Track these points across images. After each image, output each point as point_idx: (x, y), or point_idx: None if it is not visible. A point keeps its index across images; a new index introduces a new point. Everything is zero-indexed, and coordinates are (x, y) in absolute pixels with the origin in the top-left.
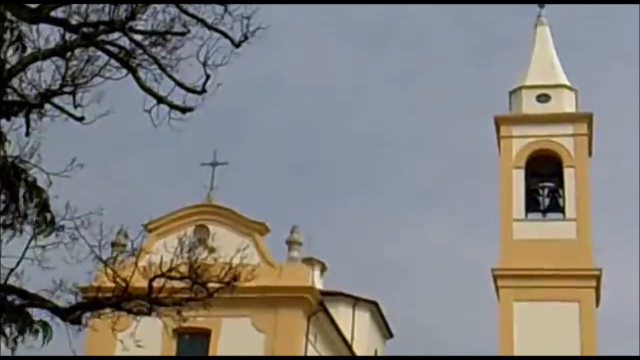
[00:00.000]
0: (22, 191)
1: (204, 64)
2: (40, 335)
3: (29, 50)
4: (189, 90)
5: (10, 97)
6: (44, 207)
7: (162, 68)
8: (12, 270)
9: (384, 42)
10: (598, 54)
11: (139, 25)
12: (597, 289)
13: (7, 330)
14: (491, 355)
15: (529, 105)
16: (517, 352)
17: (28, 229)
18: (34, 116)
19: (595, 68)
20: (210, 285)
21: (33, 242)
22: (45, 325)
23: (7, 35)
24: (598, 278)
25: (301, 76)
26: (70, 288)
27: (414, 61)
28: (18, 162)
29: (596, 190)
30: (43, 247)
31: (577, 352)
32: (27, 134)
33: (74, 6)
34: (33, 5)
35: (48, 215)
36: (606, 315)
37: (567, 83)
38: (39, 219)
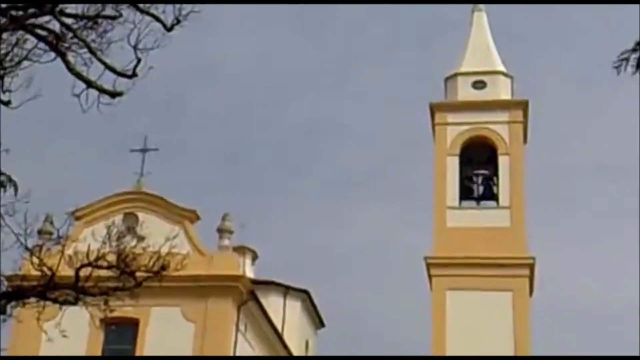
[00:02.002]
0: None
1: (135, 48)
2: None
3: None
4: (119, 74)
5: None
6: None
7: (92, 52)
8: None
9: (321, 27)
10: (534, 40)
11: (69, 8)
12: (531, 277)
13: None
14: (487, 356)
15: (465, 91)
16: (449, 341)
17: None
18: None
19: (531, 55)
20: (139, 274)
21: None
22: None
23: None
24: (531, 267)
25: (236, 61)
26: None
27: (350, 47)
28: None
29: (531, 179)
30: None
31: (510, 341)
32: None
33: None
34: None
35: (2, 178)
36: (539, 304)
37: (503, 69)
38: None
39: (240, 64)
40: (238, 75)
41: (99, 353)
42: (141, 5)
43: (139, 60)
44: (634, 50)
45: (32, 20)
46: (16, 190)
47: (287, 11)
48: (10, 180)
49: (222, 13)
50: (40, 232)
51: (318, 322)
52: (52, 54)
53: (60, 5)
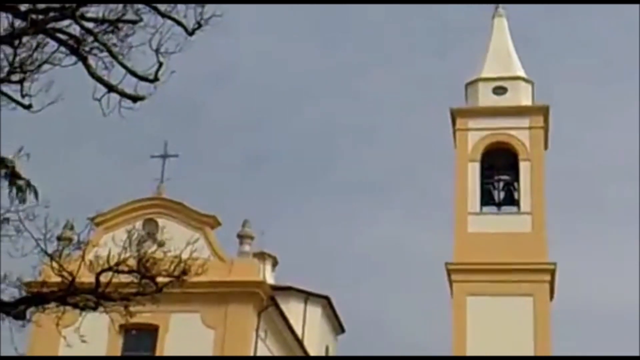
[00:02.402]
0: None
1: (157, 51)
2: None
3: None
4: (141, 78)
5: None
6: (13, 175)
7: (114, 55)
8: None
9: (339, 32)
10: (555, 46)
11: (90, 12)
12: (552, 283)
13: None
14: (485, 356)
15: (486, 97)
16: (470, 347)
17: None
18: None
19: (553, 60)
20: (159, 279)
21: None
22: None
23: None
24: (552, 272)
25: (254, 67)
26: (15, 282)
27: (370, 52)
28: None
29: (551, 184)
30: None
31: (531, 347)
32: None
33: None
34: None
35: (21, 182)
36: (560, 309)
37: (524, 75)
38: (10, 187)
39: (258, 69)
40: (256, 80)
41: None
42: (162, 10)
43: (160, 64)
44: None
45: (52, 24)
46: (36, 195)
47: (305, 16)
48: (29, 185)
49: (240, 18)
50: (59, 238)
51: (338, 327)
52: (73, 58)
53: (81, 9)
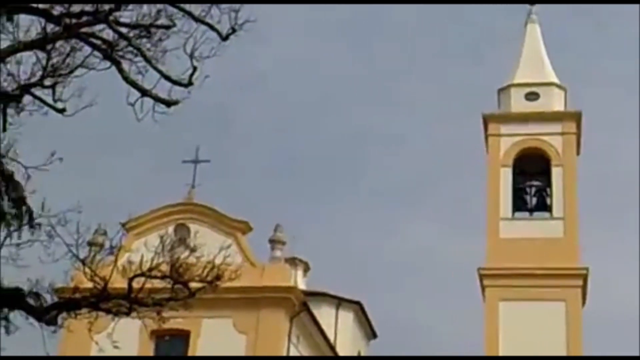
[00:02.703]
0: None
1: (191, 56)
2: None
3: (7, 42)
4: (175, 82)
5: None
6: (20, 201)
7: (148, 60)
8: None
9: (371, 39)
10: (588, 51)
11: (123, 17)
12: (584, 288)
13: None
14: (484, 356)
15: (518, 103)
16: (502, 352)
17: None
18: (11, 110)
19: (585, 66)
20: (192, 285)
21: (8, 240)
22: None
23: None
24: (584, 277)
25: (286, 72)
26: (46, 288)
27: (401, 58)
28: None
29: (584, 189)
30: (18, 245)
31: (563, 352)
32: (4, 129)
33: None
34: None
35: (24, 209)
36: (592, 315)
37: (557, 81)
38: (16, 213)
39: (290, 74)
40: (288, 85)
41: None
42: (196, 14)
43: (194, 69)
44: None
45: (85, 29)
46: (31, 223)
47: (337, 22)
48: (29, 212)
49: (272, 23)
50: (90, 243)
51: (370, 333)
52: (107, 63)
53: (114, 14)
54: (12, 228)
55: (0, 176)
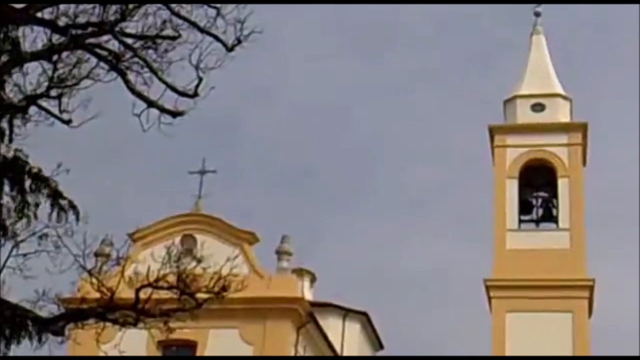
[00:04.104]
0: (27, 183)
1: (197, 67)
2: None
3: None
4: (181, 93)
5: None
6: (55, 195)
7: (153, 71)
8: None
9: (380, 50)
10: (593, 63)
11: (129, 28)
12: (590, 299)
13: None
14: (485, 356)
15: (524, 114)
16: None
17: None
18: (17, 121)
19: (591, 77)
20: (199, 295)
21: (15, 251)
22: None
23: None
24: (591, 288)
25: (295, 83)
26: (53, 298)
27: (410, 70)
28: (19, 154)
29: (590, 200)
30: (24, 255)
31: None
32: (10, 140)
33: (62, 7)
34: (19, 6)
35: (63, 203)
36: (598, 326)
37: (562, 92)
38: (53, 207)
39: (300, 84)
40: (297, 95)
41: None
42: (202, 25)
43: (200, 80)
44: None
45: (91, 40)
46: (77, 217)
47: (346, 34)
48: (72, 206)
49: (282, 32)
50: (97, 254)
51: (377, 343)
52: (113, 74)
53: (120, 25)
54: (18, 240)
55: (27, 175)
